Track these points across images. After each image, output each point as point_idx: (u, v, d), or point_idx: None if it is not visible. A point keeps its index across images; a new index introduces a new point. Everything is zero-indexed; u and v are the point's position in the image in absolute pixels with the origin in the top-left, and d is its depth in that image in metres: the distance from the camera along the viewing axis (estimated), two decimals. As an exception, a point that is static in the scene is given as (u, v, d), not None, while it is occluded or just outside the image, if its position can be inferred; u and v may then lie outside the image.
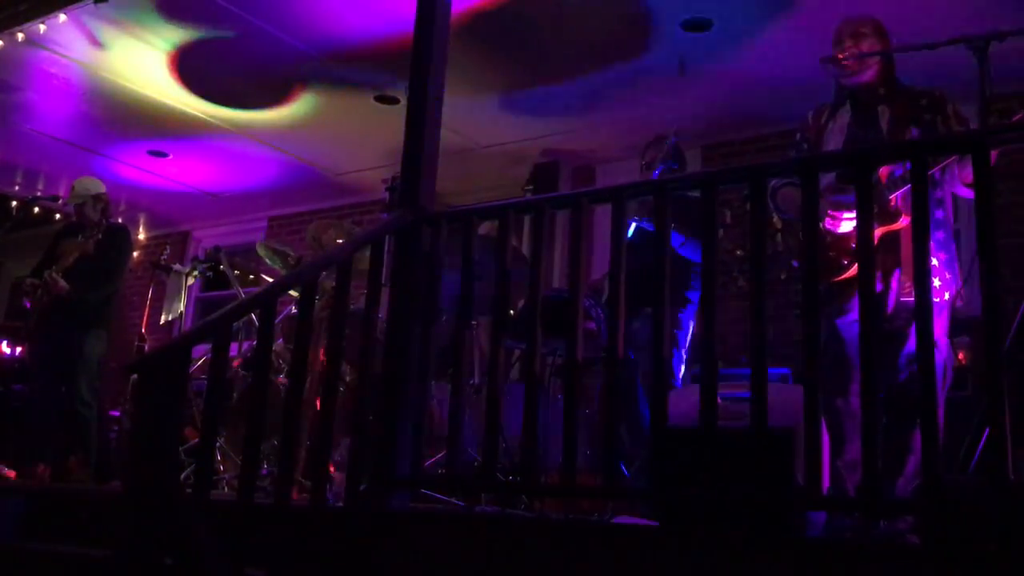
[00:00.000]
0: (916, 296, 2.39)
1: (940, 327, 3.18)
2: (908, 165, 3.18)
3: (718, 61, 5.46)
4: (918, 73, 3.55)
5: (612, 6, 5.01)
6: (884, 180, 3.21)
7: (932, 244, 2.62)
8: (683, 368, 4.52)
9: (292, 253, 5.24)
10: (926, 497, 2.26)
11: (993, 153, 2.88)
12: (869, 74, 3.44)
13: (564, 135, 6.74)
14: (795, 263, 3.40)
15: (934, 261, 3.16)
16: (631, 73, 5.70)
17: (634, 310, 4.04)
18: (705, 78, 5.67)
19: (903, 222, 3.23)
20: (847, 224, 3.30)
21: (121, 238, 5.50)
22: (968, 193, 3.26)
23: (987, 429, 2.28)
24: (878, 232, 3.01)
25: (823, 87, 3.63)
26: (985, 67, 2.84)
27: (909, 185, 3.17)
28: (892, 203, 3.22)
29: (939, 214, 3.25)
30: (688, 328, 4.56)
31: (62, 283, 5.22)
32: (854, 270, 3.26)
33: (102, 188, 5.71)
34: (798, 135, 3.65)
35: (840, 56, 3.40)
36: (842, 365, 3.31)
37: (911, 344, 3.18)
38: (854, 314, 3.29)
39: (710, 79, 5.69)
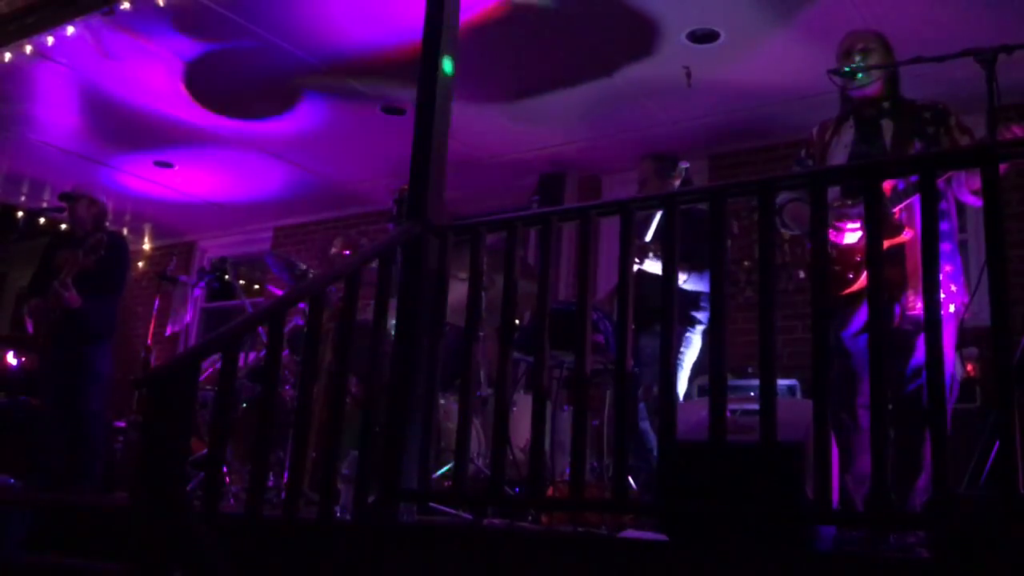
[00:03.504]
0: (925, 308, 2.37)
1: (946, 339, 3.17)
2: (913, 177, 3.19)
3: (725, 72, 5.47)
4: (926, 86, 3.56)
5: (618, 16, 5.01)
6: (888, 193, 3.21)
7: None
8: (683, 387, 4.43)
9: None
10: (936, 511, 2.25)
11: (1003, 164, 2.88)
12: (874, 88, 3.44)
13: (570, 146, 6.75)
14: (800, 273, 3.39)
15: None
16: (637, 83, 5.71)
17: (642, 326, 4.07)
18: (712, 88, 5.67)
19: (907, 235, 3.22)
20: (851, 235, 3.29)
21: (120, 248, 5.48)
22: (975, 201, 3.25)
23: (997, 442, 2.27)
24: (883, 245, 3.00)
25: (830, 97, 3.63)
26: (993, 80, 2.84)
27: (912, 198, 3.19)
28: (896, 216, 3.21)
29: (944, 226, 3.22)
30: (693, 347, 4.43)
31: (73, 292, 5.17)
32: (859, 283, 3.26)
33: (101, 195, 5.70)
34: (803, 151, 3.65)
35: (847, 68, 3.40)
36: (848, 379, 3.30)
37: (918, 356, 3.16)
38: (860, 327, 3.29)
39: (717, 89, 5.69)
